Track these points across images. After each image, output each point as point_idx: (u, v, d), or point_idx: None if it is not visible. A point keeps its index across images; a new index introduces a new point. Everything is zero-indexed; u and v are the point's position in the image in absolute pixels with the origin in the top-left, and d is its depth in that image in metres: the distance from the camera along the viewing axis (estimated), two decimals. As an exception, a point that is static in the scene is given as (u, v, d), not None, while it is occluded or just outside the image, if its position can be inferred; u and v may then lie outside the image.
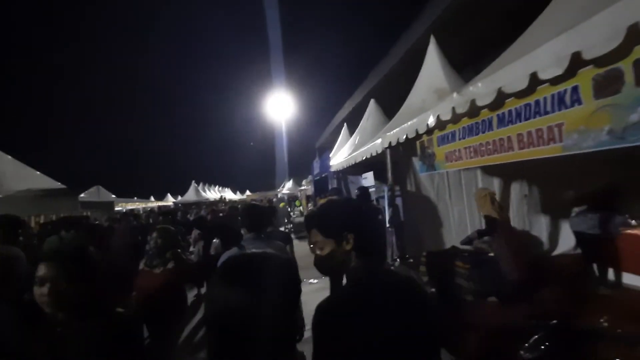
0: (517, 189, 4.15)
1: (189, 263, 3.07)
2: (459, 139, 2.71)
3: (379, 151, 4.25)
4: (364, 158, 4.93)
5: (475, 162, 2.52)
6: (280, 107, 20.21)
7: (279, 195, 23.36)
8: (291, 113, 20.68)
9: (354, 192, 7.21)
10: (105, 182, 15.48)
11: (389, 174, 4.01)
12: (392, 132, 3.86)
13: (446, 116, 2.59)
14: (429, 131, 3.25)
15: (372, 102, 8.76)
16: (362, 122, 8.79)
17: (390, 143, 3.85)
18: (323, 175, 8.16)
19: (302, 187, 20.13)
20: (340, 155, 7.93)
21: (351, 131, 10.88)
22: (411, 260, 3.84)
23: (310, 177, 13.15)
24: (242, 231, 2.41)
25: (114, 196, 15.17)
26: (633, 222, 3.10)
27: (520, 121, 2.02)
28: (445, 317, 2.19)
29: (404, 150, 4.01)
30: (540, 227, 4.07)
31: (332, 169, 7.04)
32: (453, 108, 2.47)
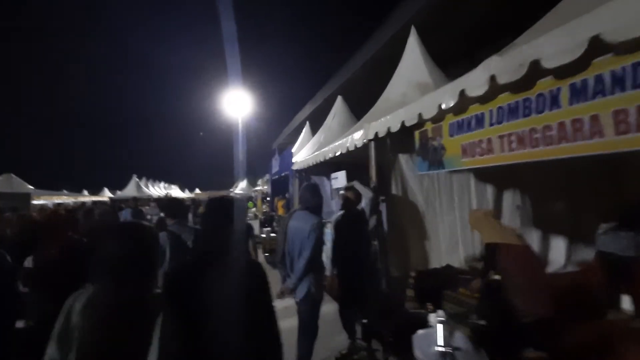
0: (509, 199, 3.53)
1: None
2: (491, 125, 1.92)
3: (359, 145, 3.39)
4: (336, 154, 4.04)
5: (520, 156, 1.74)
6: (236, 103, 18.76)
7: (232, 195, 21.64)
8: (248, 110, 19.31)
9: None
10: (27, 172, 12.90)
11: (372, 173, 3.16)
12: (379, 121, 3.03)
13: (476, 90, 1.79)
14: (438, 117, 2.46)
15: (339, 99, 7.96)
16: (327, 120, 7.94)
17: (376, 134, 3.00)
18: (283, 174, 7.14)
19: (257, 188, 18.82)
20: (303, 153, 6.98)
21: (314, 130, 10.03)
22: (396, 277, 3.02)
23: (267, 177, 12.00)
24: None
25: (31, 187, 12.65)
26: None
27: (621, 91, 1.27)
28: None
29: (391, 144, 3.19)
30: (531, 242, 3.50)
31: (295, 167, 6.06)
32: (492, 77, 1.67)
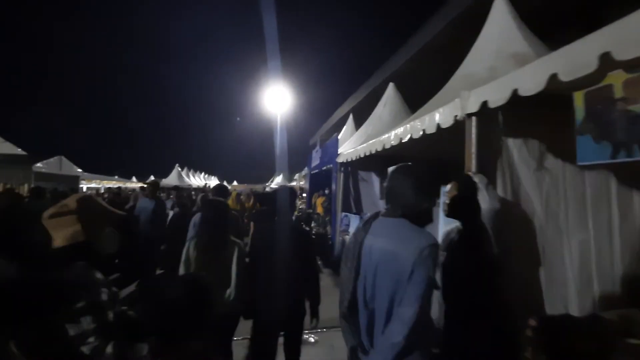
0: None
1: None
2: None
3: (446, 124, 2.31)
4: (403, 140, 2.98)
5: None
6: (276, 98, 18.15)
7: (267, 190, 21.20)
8: (287, 105, 18.62)
9: (365, 192, 5.27)
10: (74, 155, 13.12)
11: (471, 166, 2.07)
12: (489, 85, 1.95)
13: None
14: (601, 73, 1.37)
15: (390, 86, 6.83)
16: (376, 109, 6.84)
17: (485, 103, 1.92)
18: (324, 168, 6.17)
19: (293, 183, 18.10)
20: (348, 146, 5.96)
21: (358, 123, 8.98)
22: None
23: (305, 171, 11.13)
24: None
25: (80, 170, 12.81)
26: None
27: None
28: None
29: (504, 122, 2.07)
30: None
31: (340, 159, 5.06)
32: None
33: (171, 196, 7.08)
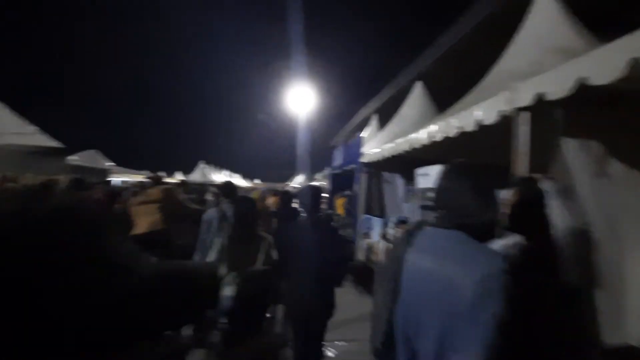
0: None
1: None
2: None
3: (490, 120, 2.04)
4: (435, 139, 2.72)
5: None
6: (298, 99, 18.08)
7: (287, 189, 21.18)
8: (309, 106, 18.51)
9: (389, 195, 5.00)
10: (105, 149, 13.59)
11: (520, 169, 1.79)
12: (549, 74, 1.68)
13: None
14: None
15: (418, 85, 6.52)
16: (402, 109, 6.55)
17: (540, 96, 1.64)
18: (347, 168, 5.95)
19: (315, 183, 17.98)
20: (372, 146, 5.71)
21: (382, 124, 8.68)
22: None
23: (326, 171, 10.94)
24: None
25: (113, 163, 13.24)
26: None
27: None
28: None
29: (566, 118, 1.78)
30: None
31: (365, 159, 4.82)
32: None
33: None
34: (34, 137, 10.53)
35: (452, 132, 2.46)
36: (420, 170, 3.46)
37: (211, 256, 2.34)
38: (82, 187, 5.96)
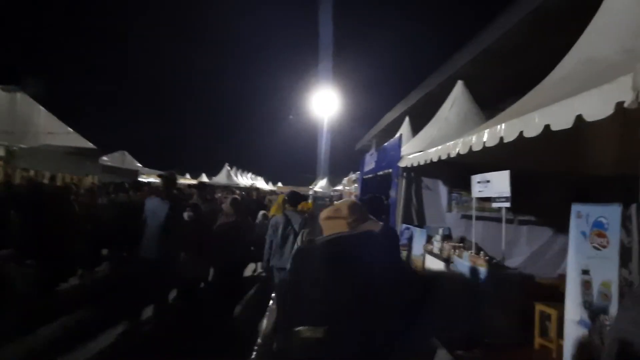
0: None
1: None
2: None
3: (605, 113, 1.58)
4: (515, 136, 2.26)
5: None
6: (322, 103, 17.82)
7: (311, 193, 20.92)
8: (333, 111, 18.19)
9: (430, 203, 4.53)
10: (134, 150, 13.81)
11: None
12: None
13: None
14: None
15: (459, 84, 5.99)
16: (441, 110, 6.04)
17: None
18: (380, 173, 5.51)
19: (338, 187, 17.53)
20: (407, 150, 5.25)
21: (415, 126, 8.18)
22: None
23: (355, 175, 10.50)
24: None
25: (140, 165, 13.43)
26: None
27: None
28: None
29: None
30: None
31: (402, 164, 4.38)
32: None
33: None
34: (68, 137, 10.75)
35: (534, 131, 2.00)
36: (477, 177, 2.98)
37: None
38: (138, 189, 6.06)
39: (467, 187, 4.36)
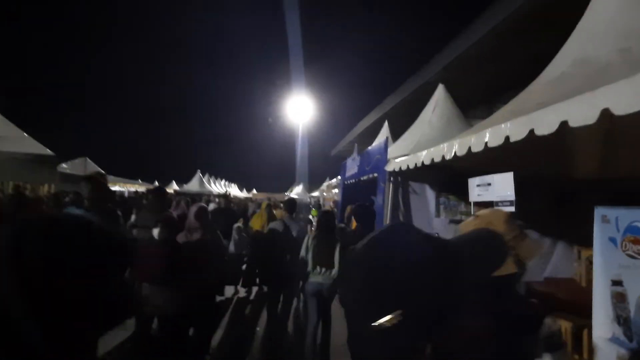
0: None
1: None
2: None
3: (625, 111, 1.43)
4: (519, 138, 2.10)
5: None
6: (296, 109, 17.64)
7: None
8: (307, 116, 18.02)
9: (417, 208, 4.37)
10: (97, 157, 12.81)
11: None
12: None
13: None
14: None
15: (440, 88, 5.95)
16: (423, 114, 5.97)
17: None
18: (364, 178, 5.30)
19: (314, 194, 17.26)
20: (391, 154, 5.09)
21: (394, 130, 8.11)
22: None
23: (334, 180, 10.28)
24: None
25: (103, 172, 12.43)
26: None
27: None
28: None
29: None
30: None
31: (389, 168, 4.19)
32: None
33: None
34: (23, 142, 9.73)
35: (548, 129, 1.83)
36: (476, 180, 2.82)
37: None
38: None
39: (455, 191, 4.25)
